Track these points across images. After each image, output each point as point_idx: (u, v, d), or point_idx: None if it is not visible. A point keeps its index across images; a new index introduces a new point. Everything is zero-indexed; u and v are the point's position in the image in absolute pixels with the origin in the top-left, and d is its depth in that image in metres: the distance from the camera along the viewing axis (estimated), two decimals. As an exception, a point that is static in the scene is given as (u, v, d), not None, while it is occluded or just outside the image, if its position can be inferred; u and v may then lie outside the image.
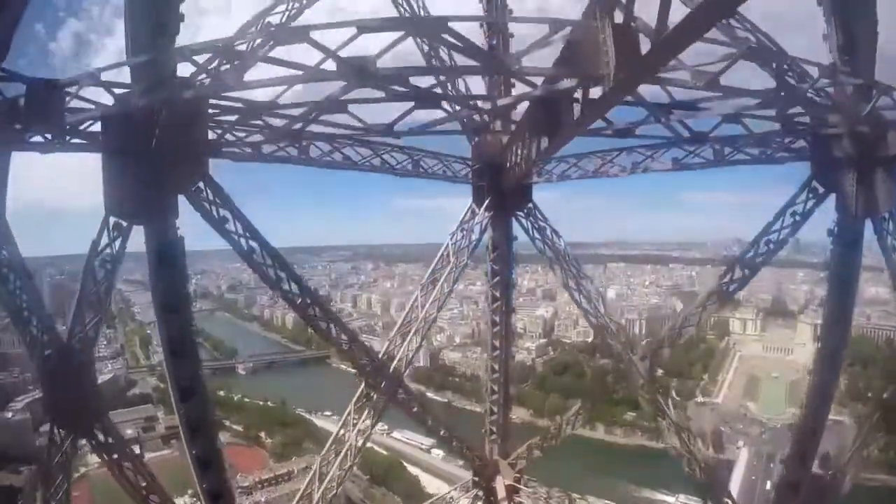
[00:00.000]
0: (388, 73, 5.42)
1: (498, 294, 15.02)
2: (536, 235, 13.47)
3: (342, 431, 13.01)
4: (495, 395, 16.50)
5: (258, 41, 6.45)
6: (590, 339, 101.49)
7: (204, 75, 7.03)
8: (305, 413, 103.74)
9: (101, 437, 9.57)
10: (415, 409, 14.12)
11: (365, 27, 5.22)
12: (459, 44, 5.33)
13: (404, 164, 12.16)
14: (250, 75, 6.27)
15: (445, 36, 5.58)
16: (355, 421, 12.90)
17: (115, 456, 9.86)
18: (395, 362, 12.66)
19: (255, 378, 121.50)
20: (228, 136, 8.73)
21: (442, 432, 15.81)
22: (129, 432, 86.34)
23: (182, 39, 8.18)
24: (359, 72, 5.28)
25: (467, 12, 14.65)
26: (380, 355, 12.74)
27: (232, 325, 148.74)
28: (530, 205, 13.64)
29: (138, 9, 7.55)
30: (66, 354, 8.52)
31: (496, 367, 15.99)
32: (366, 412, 12.72)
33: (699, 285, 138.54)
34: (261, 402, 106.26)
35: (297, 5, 11.17)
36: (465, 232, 13.36)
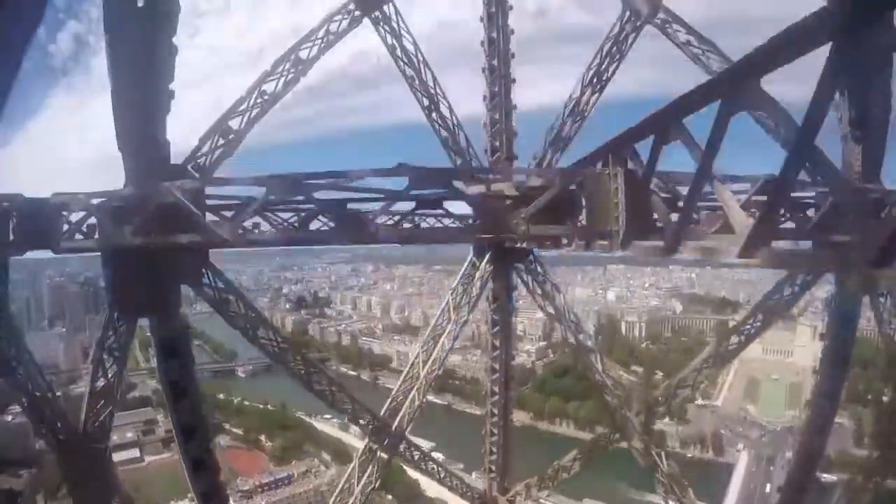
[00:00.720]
0: (387, 231, 5.46)
1: (498, 343, 15.12)
2: (537, 290, 13.53)
3: (347, 484, 13.18)
4: (494, 436, 16.61)
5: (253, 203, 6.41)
6: (590, 342, 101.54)
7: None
8: (305, 416, 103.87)
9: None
10: (416, 458, 14.34)
11: (361, 176, 5.26)
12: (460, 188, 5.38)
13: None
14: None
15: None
16: (360, 475, 13.06)
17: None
18: (398, 420, 12.79)
19: (255, 381, 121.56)
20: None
21: (442, 474, 16.00)
22: (129, 436, 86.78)
23: (181, 40, 8.15)
24: (355, 232, 5.31)
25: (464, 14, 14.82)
26: (382, 412, 12.86)
27: (231, 328, 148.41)
28: (531, 257, 13.72)
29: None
30: (81, 444, 8.61)
31: (495, 410, 16.09)
32: (370, 468, 12.87)
33: (699, 287, 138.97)
34: (261, 406, 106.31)
35: (293, 71, 11.11)
36: (465, 286, 13.45)
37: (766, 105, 3.24)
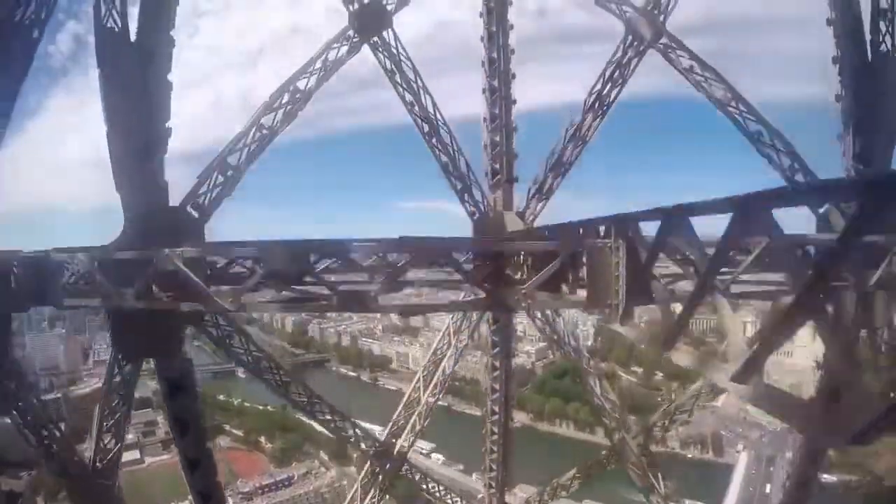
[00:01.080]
0: (385, 304, 5.50)
1: (497, 364, 15.22)
2: (537, 314, 13.62)
3: (350, 507, 13.35)
4: (494, 453, 16.74)
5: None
6: (589, 343, 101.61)
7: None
8: (305, 417, 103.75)
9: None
10: (418, 479, 14.47)
11: (364, 251, 5.30)
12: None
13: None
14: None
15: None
16: (363, 496, 13.19)
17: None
18: (398, 444, 12.91)
19: (255, 382, 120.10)
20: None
21: (442, 491, 16.13)
22: (130, 437, 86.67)
23: (180, 39, 8.25)
24: (355, 305, 5.35)
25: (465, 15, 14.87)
26: (384, 436, 12.98)
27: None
28: (531, 281, 13.77)
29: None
30: (91, 480, 8.68)
31: (495, 429, 16.19)
32: (372, 491, 12.99)
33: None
34: (261, 407, 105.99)
35: (290, 106, 11.12)
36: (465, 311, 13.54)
37: (774, 234, 3.32)
